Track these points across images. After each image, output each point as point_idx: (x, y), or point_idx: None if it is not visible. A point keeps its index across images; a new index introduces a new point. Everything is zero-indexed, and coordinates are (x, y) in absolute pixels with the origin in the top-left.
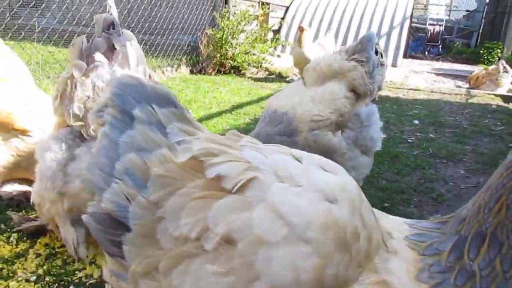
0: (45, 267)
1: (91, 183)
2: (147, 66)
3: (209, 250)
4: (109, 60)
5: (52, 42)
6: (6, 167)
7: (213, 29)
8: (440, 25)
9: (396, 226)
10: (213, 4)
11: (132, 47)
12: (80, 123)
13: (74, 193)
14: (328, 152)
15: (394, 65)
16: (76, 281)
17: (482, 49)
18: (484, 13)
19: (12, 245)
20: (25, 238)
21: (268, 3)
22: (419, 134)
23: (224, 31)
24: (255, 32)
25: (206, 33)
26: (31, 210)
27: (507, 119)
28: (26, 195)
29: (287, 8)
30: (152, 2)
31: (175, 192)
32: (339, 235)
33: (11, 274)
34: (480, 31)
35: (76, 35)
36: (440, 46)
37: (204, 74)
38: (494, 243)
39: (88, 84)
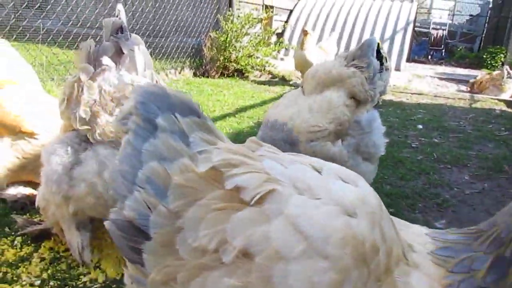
0: (49, 271)
1: (113, 190)
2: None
3: (227, 263)
4: (116, 64)
5: (57, 44)
6: (11, 169)
7: (217, 32)
8: (443, 30)
9: (417, 238)
10: (217, 7)
11: (140, 52)
12: (86, 127)
13: (80, 197)
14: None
15: (397, 69)
16: (81, 285)
17: (486, 53)
18: (488, 17)
19: (16, 248)
20: (29, 242)
21: (272, 6)
22: (423, 139)
23: (228, 34)
24: (258, 35)
25: (210, 36)
26: (35, 213)
27: (511, 124)
28: (30, 198)
29: (291, 11)
30: (157, 5)
31: (195, 202)
32: (358, 250)
33: (15, 278)
34: (483, 35)
35: (80, 37)
36: (443, 51)
37: (208, 77)
38: None
39: (95, 88)
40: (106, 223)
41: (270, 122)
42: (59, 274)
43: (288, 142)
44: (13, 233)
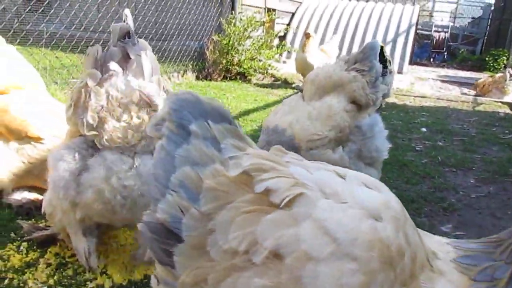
0: (56, 277)
1: (147, 193)
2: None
3: (258, 264)
4: (123, 70)
5: (60, 47)
6: (17, 174)
7: (219, 35)
8: (445, 32)
9: (439, 246)
10: (219, 11)
11: (147, 57)
12: (93, 132)
13: (87, 203)
14: None
15: (400, 72)
16: None
17: (488, 56)
18: (490, 20)
19: (22, 254)
20: (35, 247)
21: (274, 9)
22: (427, 142)
23: (230, 38)
24: (261, 39)
25: (213, 39)
26: (41, 219)
27: None
28: (35, 203)
29: (293, 14)
30: (159, 9)
31: (225, 206)
32: (384, 252)
33: (21, 284)
34: (485, 38)
35: (83, 41)
36: (446, 53)
37: (210, 80)
38: None
39: (102, 94)
40: (139, 225)
41: (271, 129)
42: (65, 280)
43: (290, 149)
44: (18, 239)
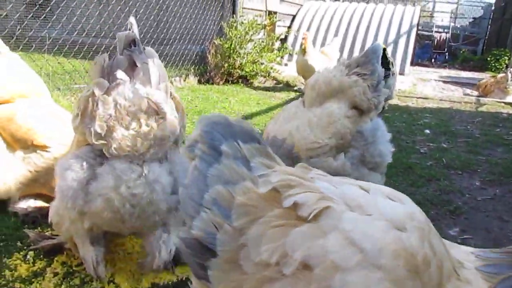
0: (63, 287)
1: (183, 211)
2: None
3: (288, 275)
4: (130, 78)
5: (62, 53)
6: (23, 183)
7: (221, 38)
8: (446, 32)
9: (465, 256)
10: (220, 14)
11: (154, 65)
12: (102, 141)
13: (96, 212)
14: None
15: (401, 73)
16: None
17: (490, 56)
18: (490, 20)
19: (29, 263)
20: (42, 257)
21: (275, 12)
22: (431, 144)
23: (232, 41)
24: (262, 42)
25: (214, 43)
26: (47, 227)
27: None
28: (41, 211)
29: (294, 17)
30: (161, 13)
31: (256, 221)
32: (410, 262)
33: None
34: (487, 38)
35: (85, 47)
36: (447, 54)
37: (212, 83)
38: None
39: (110, 102)
40: (176, 241)
41: (270, 138)
42: None
43: (290, 159)
44: (25, 248)
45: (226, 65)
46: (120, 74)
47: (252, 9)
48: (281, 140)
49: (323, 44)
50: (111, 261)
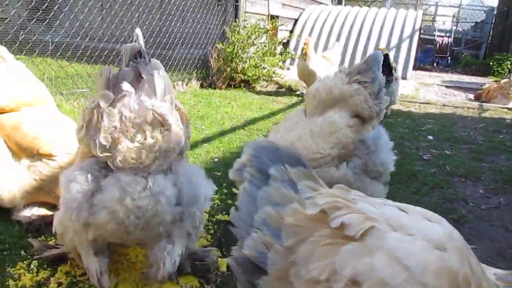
0: None
1: (235, 232)
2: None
3: None
4: (136, 89)
5: (66, 58)
6: (28, 191)
7: (223, 43)
8: (448, 37)
9: (492, 277)
10: (223, 19)
11: (159, 76)
12: (107, 154)
13: (101, 224)
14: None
15: (404, 77)
16: None
17: (492, 60)
18: (493, 24)
19: (32, 273)
20: (45, 266)
21: (277, 16)
22: (434, 150)
23: (234, 45)
24: (265, 46)
25: (217, 47)
26: (51, 235)
27: None
28: (45, 220)
29: (296, 20)
30: (163, 18)
31: (305, 240)
32: (453, 281)
33: None
34: (489, 42)
35: (89, 52)
36: (449, 58)
37: (215, 88)
38: None
39: (115, 114)
40: (228, 260)
41: None
42: None
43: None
44: (29, 257)
45: (228, 69)
46: (126, 86)
47: (254, 13)
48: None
49: (325, 48)
50: (114, 271)
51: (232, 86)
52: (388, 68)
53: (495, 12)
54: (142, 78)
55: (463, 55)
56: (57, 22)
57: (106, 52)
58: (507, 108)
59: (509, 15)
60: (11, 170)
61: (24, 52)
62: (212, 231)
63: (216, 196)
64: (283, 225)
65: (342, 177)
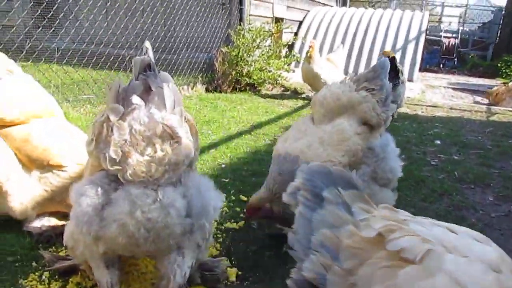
0: None
1: (293, 255)
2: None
3: None
4: (145, 102)
5: (72, 64)
6: (39, 202)
7: (228, 46)
8: (455, 38)
9: None
10: (228, 22)
11: (169, 89)
12: (117, 167)
13: (111, 237)
14: None
15: (410, 79)
16: None
17: (500, 62)
18: (501, 24)
19: (44, 284)
20: (57, 277)
21: (282, 19)
22: (442, 155)
23: (239, 49)
24: (270, 49)
25: (222, 51)
26: (61, 246)
27: None
28: (55, 230)
29: (300, 22)
30: (168, 22)
31: (364, 262)
32: None
33: None
34: (496, 43)
35: (95, 58)
36: (456, 59)
37: (220, 91)
38: None
39: (125, 128)
40: (287, 282)
41: (282, 157)
42: None
43: None
44: (40, 268)
45: (233, 72)
46: (136, 99)
47: (259, 16)
48: (294, 157)
49: (330, 50)
50: (125, 282)
51: (237, 90)
52: (394, 71)
53: (503, 12)
54: (152, 90)
55: (470, 56)
56: (63, 29)
57: (112, 58)
58: None
59: None
60: (22, 182)
61: (30, 60)
62: (220, 240)
63: (224, 203)
64: (341, 247)
65: None
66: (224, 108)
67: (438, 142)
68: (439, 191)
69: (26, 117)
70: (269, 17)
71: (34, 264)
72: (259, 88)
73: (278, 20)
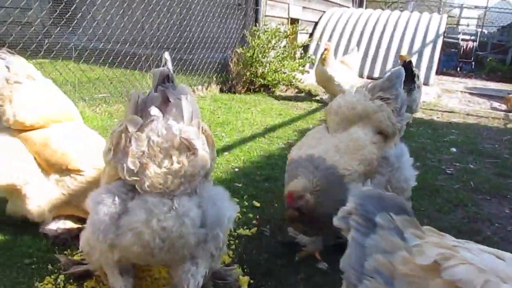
0: None
1: (346, 280)
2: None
3: None
4: (163, 113)
5: (90, 62)
6: (56, 205)
7: (243, 47)
8: (473, 41)
9: None
10: (243, 23)
11: (187, 101)
12: (134, 178)
13: (126, 246)
14: None
15: (426, 83)
16: None
17: None
18: None
19: (59, 287)
20: (72, 281)
21: (297, 20)
22: (457, 164)
23: (254, 50)
24: (285, 50)
25: (236, 51)
26: (76, 249)
27: None
28: (71, 233)
29: (316, 23)
30: (184, 23)
31: None
32: None
33: None
34: None
35: (111, 57)
36: (473, 63)
37: (234, 92)
38: None
39: (144, 139)
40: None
41: (303, 158)
42: None
43: (331, 182)
44: (56, 271)
45: (248, 73)
46: (154, 110)
47: (274, 16)
48: (320, 158)
49: (345, 52)
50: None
51: (251, 91)
52: (410, 76)
53: None
54: (170, 102)
55: (488, 60)
56: (80, 29)
57: (128, 58)
58: None
59: None
60: (41, 186)
61: (51, 57)
62: (233, 246)
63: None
64: (395, 273)
65: None
66: (238, 110)
67: (454, 149)
68: (454, 202)
69: (46, 122)
70: (284, 18)
71: (49, 267)
72: (273, 90)
73: (293, 21)
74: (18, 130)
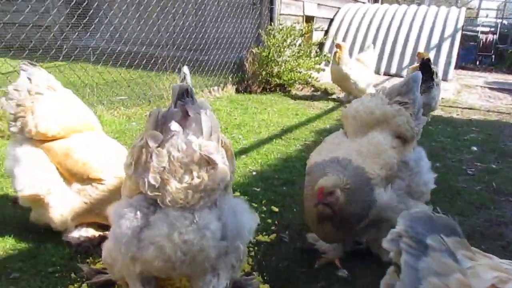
0: None
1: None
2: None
3: None
4: (183, 128)
5: (108, 64)
6: (78, 213)
7: (259, 47)
8: (493, 33)
9: None
10: (258, 22)
11: (206, 116)
12: (156, 193)
13: (147, 260)
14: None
15: (444, 79)
16: None
17: None
18: None
19: None
20: None
21: (312, 17)
22: (479, 164)
23: (270, 49)
24: (301, 49)
25: (252, 51)
26: (99, 257)
27: None
28: (92, 242)
29: (331, 20)
30: (200, 24)
31: None
32: None
33: None
34: None
35: (128, 60)
36: (493, 56)
37: (250, 92)
38: None
39: (164, 155)
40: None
41: (328, 160)
42: None
43: (361, 186)
44: (78, 279)
45: (263, 73)
46: (175, 126)
47: (289, 14)
48: (345, 159)
49: (361, 48)
50: None
51: (267, 90)
52: (429, 73)
53: None
54: (189, 116)
55: (509, 52)
56: (98, 34)
57: (144, 61)
58: None
59: None
60: (63, 195)
61: (68, 62)
62: (252, 253)
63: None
64: None
65: (389, 200)
66: (255, 111)
67: (475, 148)
68: (476, 204)
69: (67, 132)
70: (299, 16)
71: (73, 275)
72: (289, 89)
73: (308, 19)
74: (40, 140)
